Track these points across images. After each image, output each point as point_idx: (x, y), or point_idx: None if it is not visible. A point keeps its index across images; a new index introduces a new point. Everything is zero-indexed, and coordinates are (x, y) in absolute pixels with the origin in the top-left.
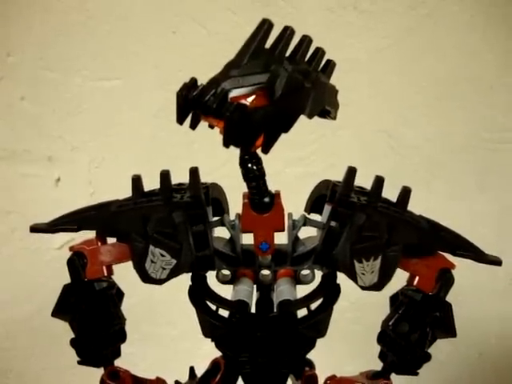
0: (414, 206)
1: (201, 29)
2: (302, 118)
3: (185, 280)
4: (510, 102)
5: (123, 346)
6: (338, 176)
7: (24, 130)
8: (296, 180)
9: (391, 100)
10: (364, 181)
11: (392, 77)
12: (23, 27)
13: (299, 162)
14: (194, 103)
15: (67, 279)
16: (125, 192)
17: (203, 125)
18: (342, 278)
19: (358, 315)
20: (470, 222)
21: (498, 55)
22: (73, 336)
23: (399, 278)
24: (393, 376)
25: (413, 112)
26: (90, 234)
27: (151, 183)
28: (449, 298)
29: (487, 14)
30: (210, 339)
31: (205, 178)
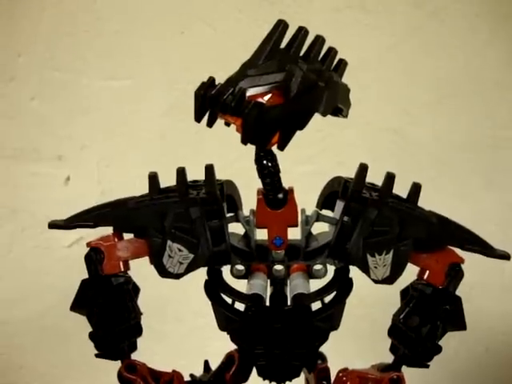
0: (421, 204)
1: (209, 28)
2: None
3: (194, 278)
4: None
5: None
6: (346, 174)
7: (34, 130)
8: (304, 178)
9: (397, 98)
10: (371, 178)
11: (398, 75)
12: (33, 28)
13: (307, 160)
14: (212, 102)
15: (77, 277)
16: (134, 190)
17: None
18: (353, 276)
19: (367, 312)
20: (477, 219)
21: (504, 53)
22: (85, 332)
23: (409, 273)
24: (403, 369)
25: (419, 110)
26: (104, 231)
27: (161, 182)
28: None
29: (492, 13)
30: (225, 333)
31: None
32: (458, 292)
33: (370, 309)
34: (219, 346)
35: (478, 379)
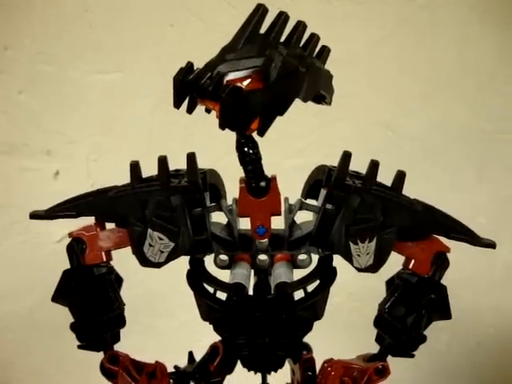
0: (413, 196)
1: (198, 21)
2: (301, 109)
3: (184, 272)
4: (507, 92)
5: (122, 338)
6: None
7: (22, 124)
8: (294, 171)
9: (389, 91)
10: (362, 171)
11: (390, 68)
12: (21, 21)
13: (297, 153)
14: (191, 87)
15: None
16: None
17: (202, 117)
18: (342, 270)
19: (358, 305)
20: (469, 212)
21: (496, 45)
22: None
23: (396, 263)
24: (395, 364)
25: (411, 103)
26: (89, 221)
27: (149, 175)
28: (448, 290)
29: (484, 5)
30: (208, 323)
31: None
32: (449, 287)
33: (361, 302)
34: (210, 340)
35: (469, 373)
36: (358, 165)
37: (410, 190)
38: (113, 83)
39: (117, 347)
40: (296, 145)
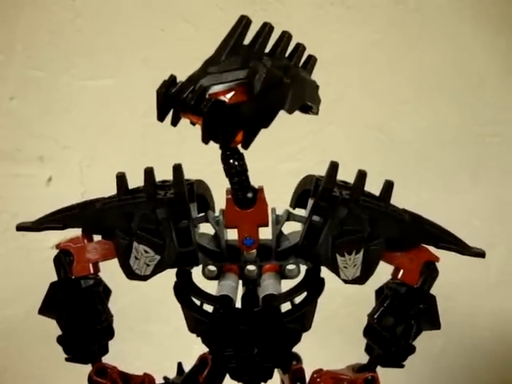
0: (406, 200)
1: (189, 26)
2: (294, 114)
3: None
4: (499, 94)
5: (117, 345)
6: None
7: (14, 130)
8: (287, 176)
9: (381, 95)
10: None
11: (381, 72)
12: (11, 27)
13: (290, 158)
14: (173, 100)
15: None
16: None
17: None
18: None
19: (352, 310)
20: (463, 215)
21: (487, 48)
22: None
23: (386, 272)
24: (390, 370)
25: (403, 106)
26: (78, 232)
27: (141, 182)
28: (443, 294)
29: (475, 8)
30: (195, 335)
31: (196, 176)
32: (445, 291)
33: (356, 307)
34: (204, 346)
35: (464, 377)
36: (351, 169)
37: (403, 194)
38: (104, 89)
39: (111, 353)
40: (289, 149)
